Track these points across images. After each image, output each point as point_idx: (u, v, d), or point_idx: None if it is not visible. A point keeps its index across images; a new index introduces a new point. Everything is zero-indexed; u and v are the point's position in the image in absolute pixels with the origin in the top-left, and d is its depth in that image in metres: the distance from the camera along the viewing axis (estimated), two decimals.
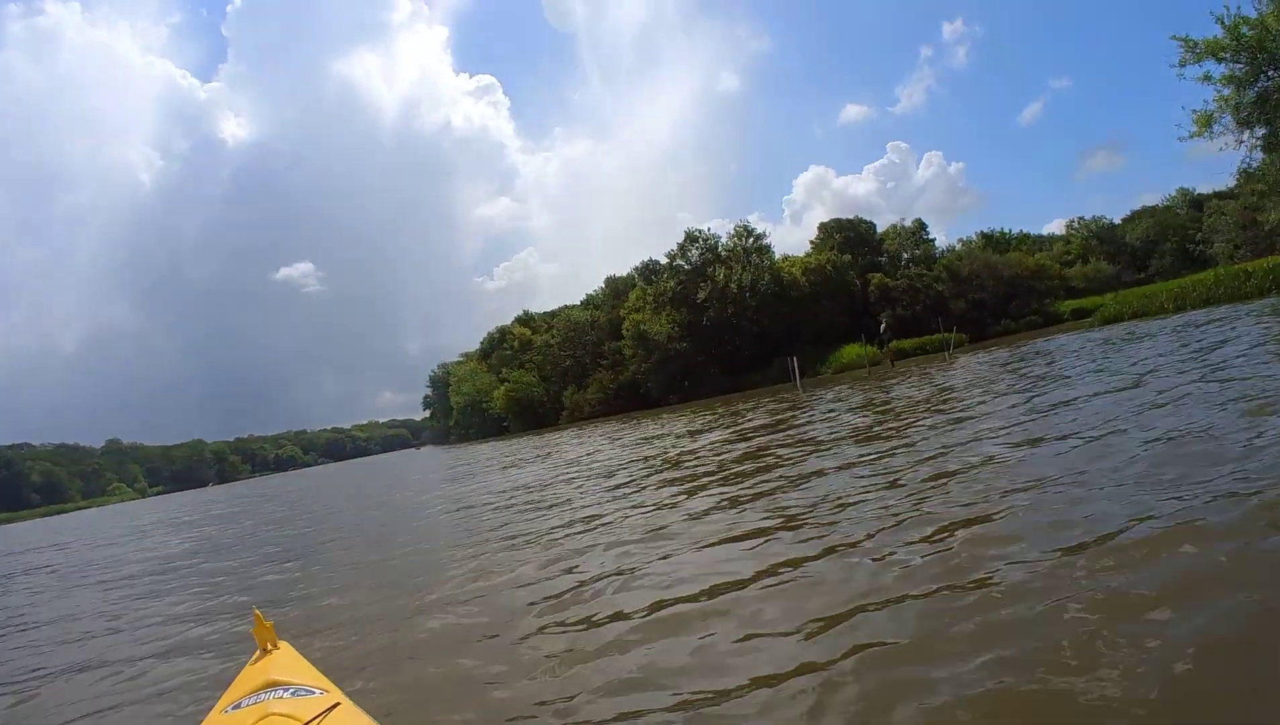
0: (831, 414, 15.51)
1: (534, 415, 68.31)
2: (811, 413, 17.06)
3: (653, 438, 19.79)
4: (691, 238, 59.56)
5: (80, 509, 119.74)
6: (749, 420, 18.40)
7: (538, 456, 21.63)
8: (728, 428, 17.54)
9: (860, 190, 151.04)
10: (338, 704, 2.05)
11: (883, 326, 44.88)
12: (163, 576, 10.15)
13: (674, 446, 15.60)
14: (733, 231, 59.90)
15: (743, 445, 12.74)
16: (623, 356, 60.26)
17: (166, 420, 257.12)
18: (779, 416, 17.62)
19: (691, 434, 18.06)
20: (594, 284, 76.56)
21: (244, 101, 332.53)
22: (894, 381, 22.85)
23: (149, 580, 10.22)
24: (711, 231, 60.08)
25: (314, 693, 2.22)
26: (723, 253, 58.11)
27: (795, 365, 34.73)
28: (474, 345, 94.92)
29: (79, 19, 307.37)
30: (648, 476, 11.12)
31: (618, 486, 10.48)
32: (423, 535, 9.44)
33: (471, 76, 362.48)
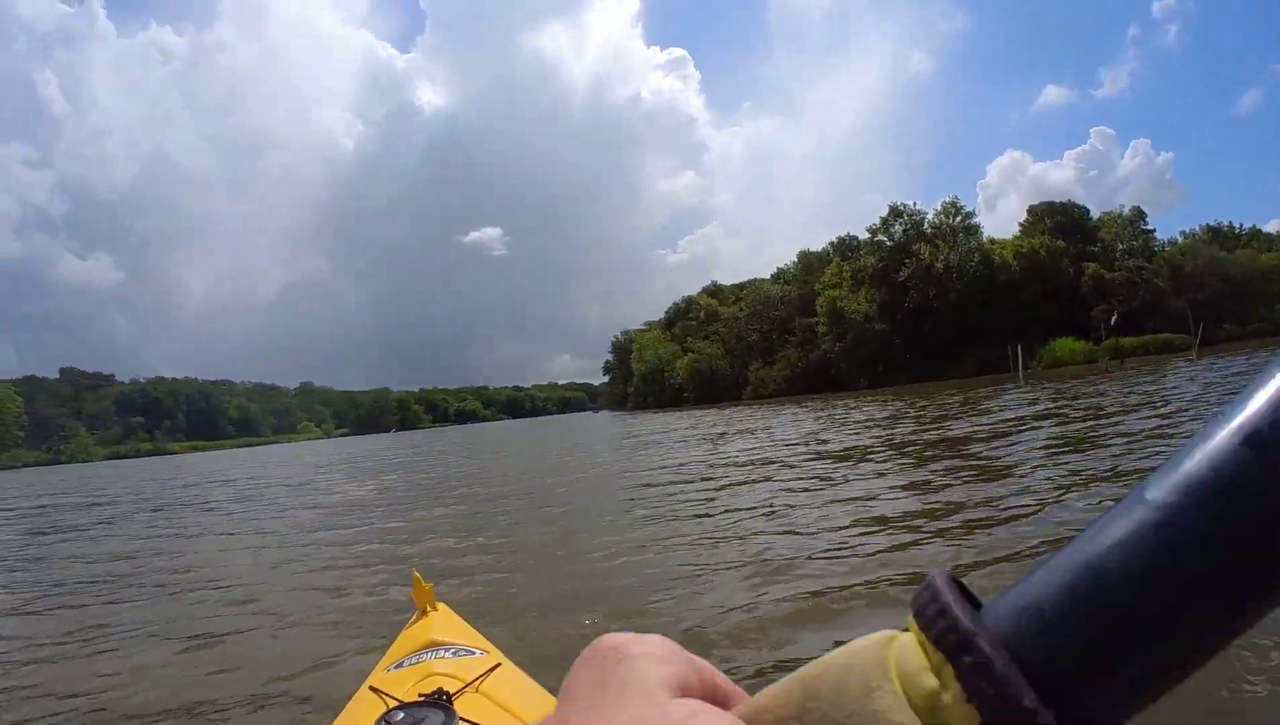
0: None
1: (715, 388, 67.99)
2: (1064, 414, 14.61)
3: (880, 422, 17.71)
4: (895, 212, 56.93)
5: (270, 443, 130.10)
6: (992, 412, 16.24)
7: (740, 431, 20.36)
8: (965, 420, 15.57)
9: (1059, 178, 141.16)
10: (499, 664, 2.07)
11: (1113, 318, 40.72)
12: (337, 530, 10.01)
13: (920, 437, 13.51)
14: (940, 208, 56.88)
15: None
16: (814, 334, 58.47)
17: (354, 368, 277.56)
18: (1010, 413, 15.63)
19: (929, 422, 16.05)
20: (777, 262, 75.03)
21: (440, 71, 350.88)
22: (1129, 381, 20.41)
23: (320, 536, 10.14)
24: (917, 206, 57.24)
25: (474, 653, 2.24)
26: (928, 230, 55.18)
27: (1019, 353, 32.07)
28: (654, 315, 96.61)
29: None
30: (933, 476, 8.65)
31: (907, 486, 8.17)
32: (618, 508, 8.60)
33: (663, 50, 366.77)
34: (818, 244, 70.76)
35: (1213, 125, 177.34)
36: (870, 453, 11.27)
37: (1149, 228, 55.64)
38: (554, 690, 1.72)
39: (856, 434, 15.11)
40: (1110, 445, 8.99)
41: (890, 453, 11.04)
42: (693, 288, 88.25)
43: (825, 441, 14.15)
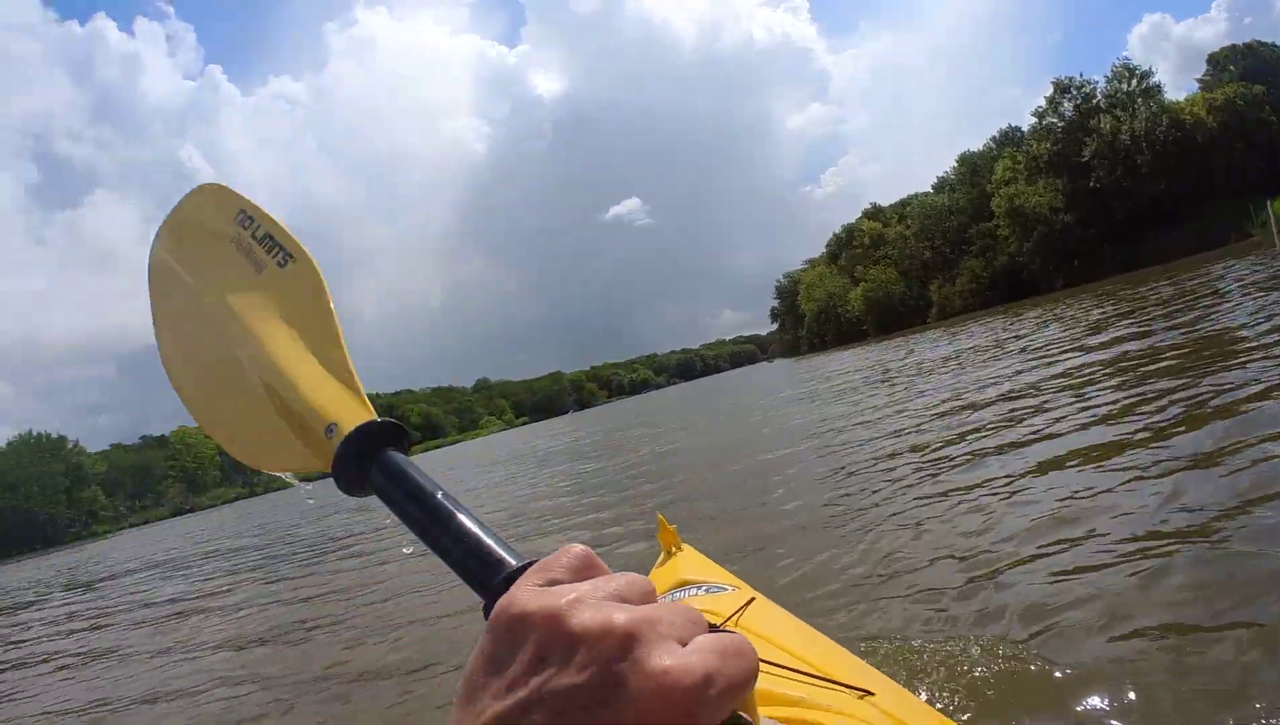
0: None
1: (895, 316, 66.43)
2: None
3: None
4: (1061, 88, 53.42)
5: (455, 442, 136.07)
6: None
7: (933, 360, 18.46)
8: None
9: (1208, 34, 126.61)
10: (753, 599, 2.08)
11: None
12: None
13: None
14: (1110, 74, 52.69)
15: None
16: (994, 240, 55.75)
17: (525, 356, 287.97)
18: None
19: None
20: (927, 176, 71.49)
21: (550, 57, 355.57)
22: None
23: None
24: (1085, 77, 53.24)
25: (726, 589, 2.27)
26: (1101, 103, 51.27)
27: (1271, 207, 28.42)
28: (812, 253, 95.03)
29: (387, 20, 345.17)
30: None
31: None
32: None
33: None
34: (961, 147, 67.48)
35: None
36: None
37: None
38: (811, 622, 2.20)
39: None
40: None
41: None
42: (848, 218, 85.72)
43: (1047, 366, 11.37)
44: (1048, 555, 3.80)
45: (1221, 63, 53.42)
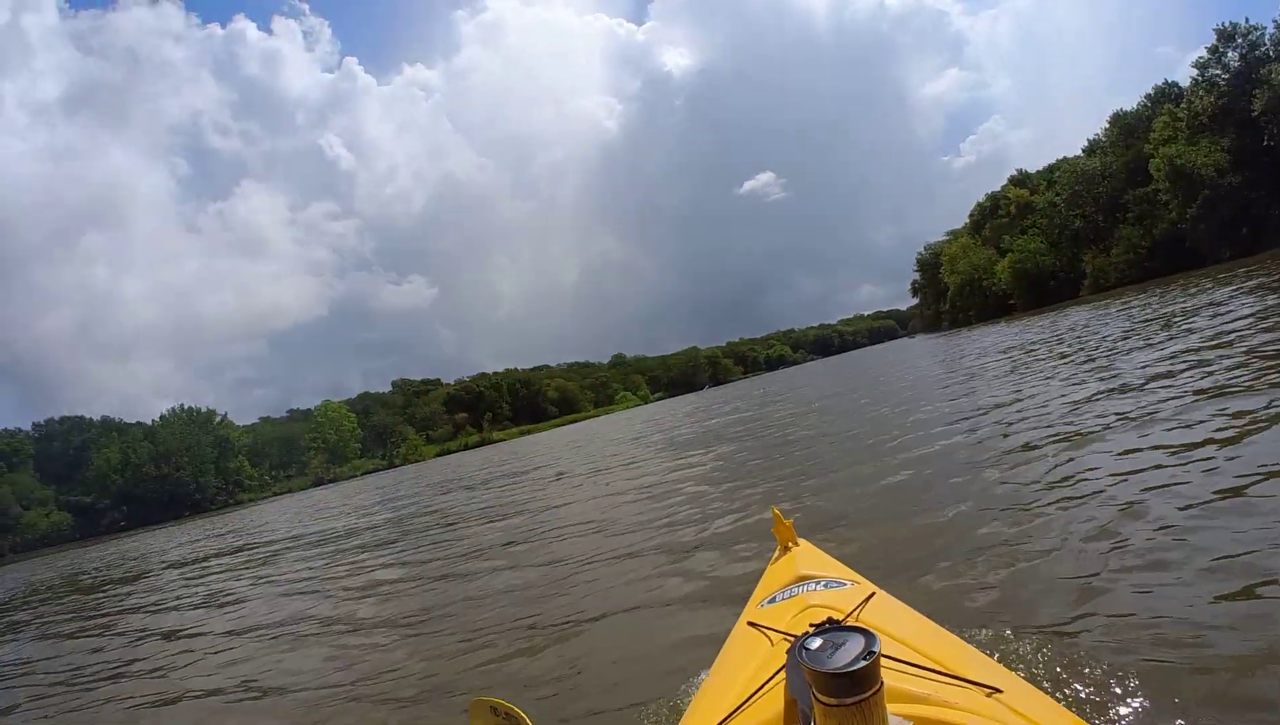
0: None
1: (1045, 289, 63.46)
2: None
3: None
4: (1226, 35, 49.09)
5: (591, 417, 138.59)
6: None
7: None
8: None
9: None
10: (873, 594, 2.07)
11: None
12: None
13: None
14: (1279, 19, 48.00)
15: None
16: (1153, 205, 52.09)
17: (661, 332, 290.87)
18: None
19: None
20: (1076, 141, 67.00)
21: (680, 33, 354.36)
22: None
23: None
24: (1252, 23, 48.73)
25: (845, 584, 2.28)
26: (1271, 51, 46.96)
27: None
28: (952, 226, 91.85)
29: (515, 3, 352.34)
30: None
31: None
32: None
33: None
34: (1111, 109, 62.95)
35: None
36: None
37: None
38: (933, 617, 2.31)
39: None
40: None
41: None
42: (990, 187, 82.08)
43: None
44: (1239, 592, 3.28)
45: None
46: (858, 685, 1.18)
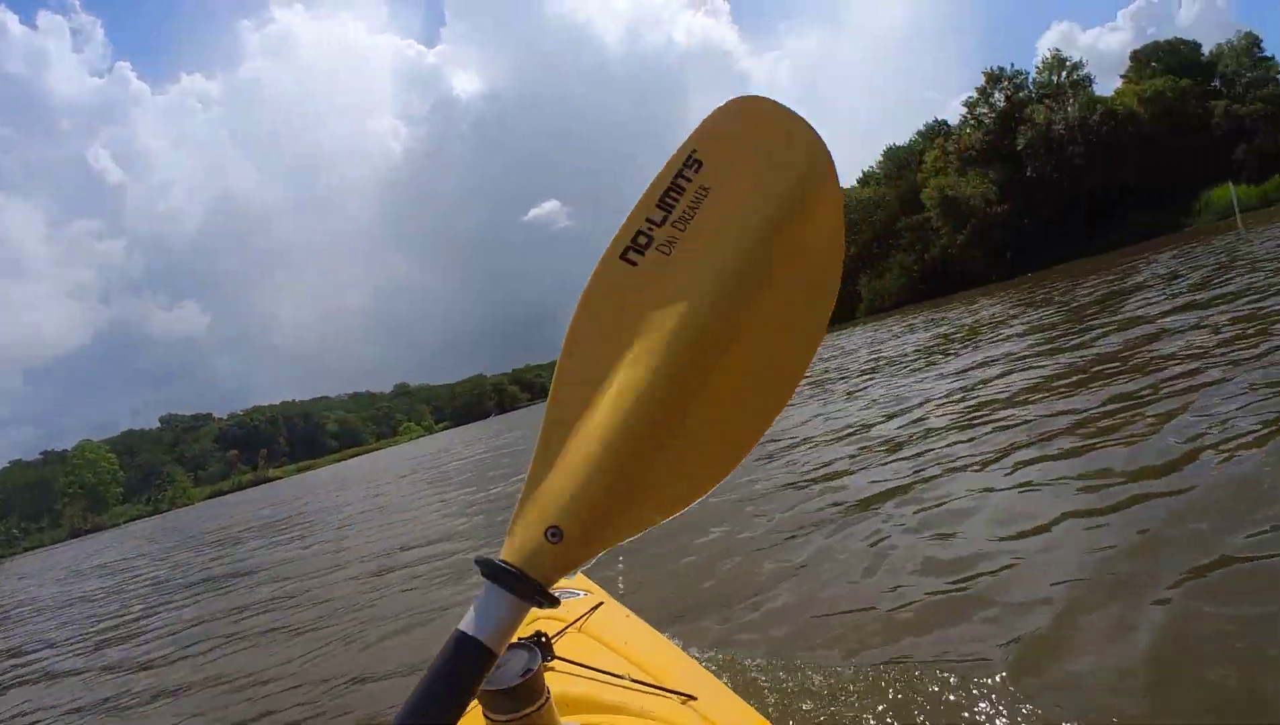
0: None
1: None
2: None
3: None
4: (994, 78, 52.33)
5: (374, 451, 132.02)
6: None
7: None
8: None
9: (1113, 43, 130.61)
10: (601, 603, 2.16)
11: None
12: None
13: None
14: (1042, 64, 51.92)
15: None
16: (925, 232, 54.35)
17: (447, 361, 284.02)
18: None
19: None
20: (850, 174, 70.25)
21: (470, 56, 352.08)
22: None
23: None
24: (1017, 68, 52.42)
25: (577, 594, 2.32)
26: (1034, 92, 50.52)
27: (1234, 190, 28.59)
28: None
29: (304, 17, 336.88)
30: None
31: None
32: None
33: None
34: (883, 147, 66.52)
35: None
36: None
37: (1267, 55, 49.58)
38: (658, 626, 2.25)
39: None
40: None
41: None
42: None
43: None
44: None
45: (1142, 60, 53.32)
46: (518, 700, 1.21)
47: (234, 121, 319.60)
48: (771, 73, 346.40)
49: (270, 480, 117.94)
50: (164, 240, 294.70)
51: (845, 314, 61.09)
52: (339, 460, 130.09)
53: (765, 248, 0.85)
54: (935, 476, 5.55)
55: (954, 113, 56.17)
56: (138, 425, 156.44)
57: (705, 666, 2.02)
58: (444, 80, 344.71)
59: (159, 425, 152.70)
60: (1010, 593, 3.32)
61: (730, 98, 0.94)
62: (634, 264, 0.87)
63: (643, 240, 0.88)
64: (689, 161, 0.91)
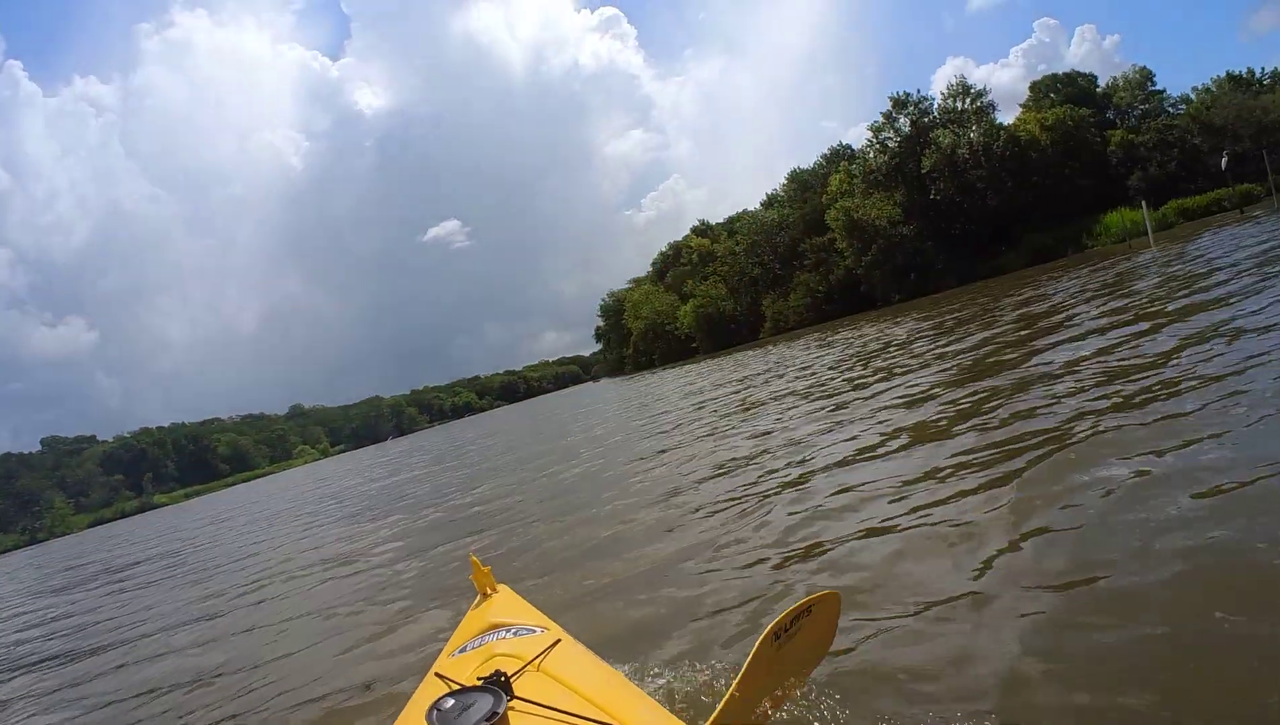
0: None
1: (726, 332, 64.27)
2: None
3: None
4: (899, 103, 52.26)
5: (267, 474, 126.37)
6: None
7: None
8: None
9: (1005, 78, 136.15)
10: (558, 640, 2.16)
11: (1224, 162, 36.24)
12: None
13: None
14: (947, 91, 52.26)
15: None
16: (829, 253, 54.03)
17: (344, 382, 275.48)
18: None
19: None
20: (746, 200, 70.94)
21: (375, 72, 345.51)
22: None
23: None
24: (922, 94, 52.81)
25: (535, 631, 2.32)
26: (939, 117, 50.79)
27: (1146, 210, 28.82)
28: (634, 275, 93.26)
29: (207, 23, 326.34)
30: None
31: None
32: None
33: (593, 11, 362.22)
34: (783, 172, 66.86)
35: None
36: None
37: (1158, 89, 51.92)
38: (614, 663, 2.53)
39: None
40: None
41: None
42: (671, 240, 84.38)
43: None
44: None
45: (1042, 91, 54.44)
46: None
47: (127, 129, 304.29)
48: (675, 97, 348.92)
49: (157, 507, 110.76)
50: (48, 253, 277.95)
51: (751, 335, 60.57)
52: (231, 484, 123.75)
53: None
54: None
55: (853, 140, 56.08)
56: (17, 448, 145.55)
57: (655, 698, 2.00)
58: (347, 94, 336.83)
59: (40, 448, 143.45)
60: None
61: None
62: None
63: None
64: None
